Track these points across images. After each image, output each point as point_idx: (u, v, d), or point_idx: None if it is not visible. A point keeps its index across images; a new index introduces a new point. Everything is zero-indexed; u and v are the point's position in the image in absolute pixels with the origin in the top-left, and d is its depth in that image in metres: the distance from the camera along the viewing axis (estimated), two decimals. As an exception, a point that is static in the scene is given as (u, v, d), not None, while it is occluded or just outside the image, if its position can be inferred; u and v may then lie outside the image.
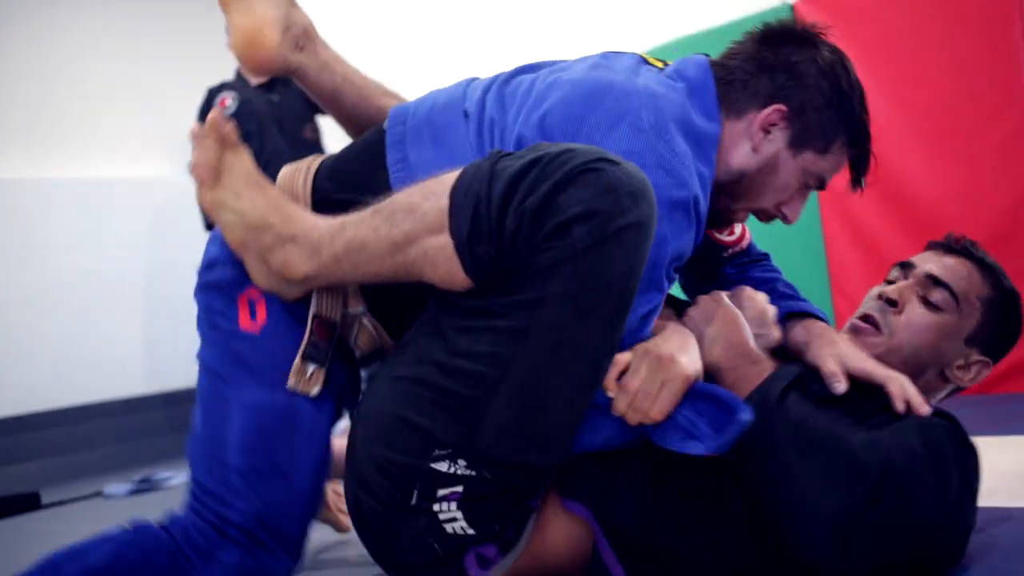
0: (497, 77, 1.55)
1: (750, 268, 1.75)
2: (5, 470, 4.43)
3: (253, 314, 1.47)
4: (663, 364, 1.31)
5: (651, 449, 1.37)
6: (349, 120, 1.81)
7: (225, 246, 1.47)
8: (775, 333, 1.54)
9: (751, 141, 1.51)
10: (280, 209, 1.40)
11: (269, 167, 4.57)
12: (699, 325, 1.49)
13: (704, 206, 1.43)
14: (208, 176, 1.40)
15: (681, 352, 1.34)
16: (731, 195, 1.53)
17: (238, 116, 4.43)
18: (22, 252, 4.71)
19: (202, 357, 1.51)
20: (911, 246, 3.22)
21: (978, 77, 3.15)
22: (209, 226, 4.39)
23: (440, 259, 1.26)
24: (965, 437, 1.38)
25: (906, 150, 3.29)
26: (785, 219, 1.57)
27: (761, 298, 1.57)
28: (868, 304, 1.61)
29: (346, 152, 1.60)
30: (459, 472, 1.31)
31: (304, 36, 1.70)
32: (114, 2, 5.36)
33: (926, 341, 1.55)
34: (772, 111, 1.50)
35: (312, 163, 1.56)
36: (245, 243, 1.40)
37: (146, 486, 3.79)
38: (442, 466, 1.31)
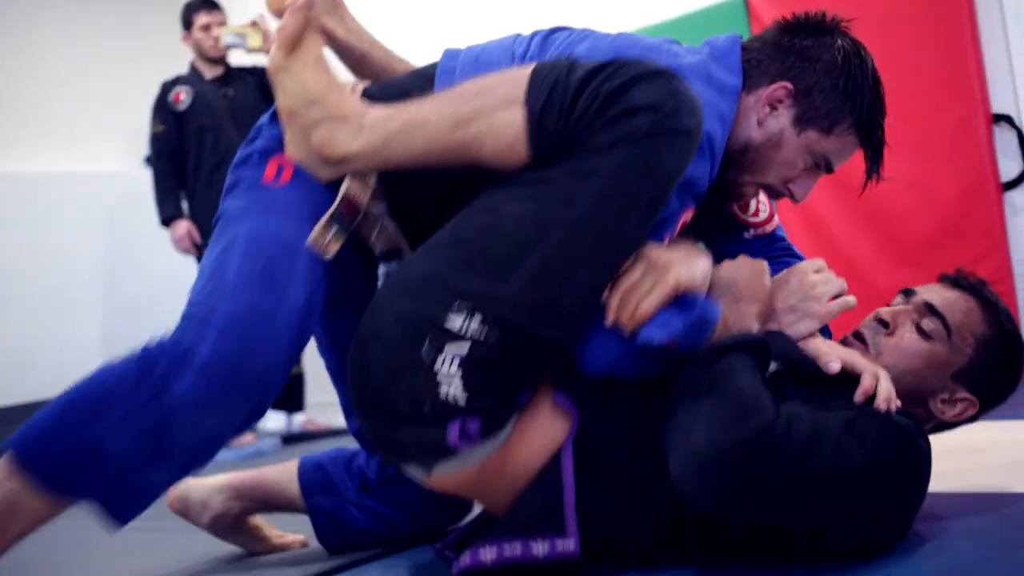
0: (539, 31, 1.67)
1: (773, 250, 1.79)
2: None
3: (279, 174, 1.53)
4: (657, 268, 1.40)
5: (650, 388, 1.45)
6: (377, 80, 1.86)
7: (272, 125, 1.58)
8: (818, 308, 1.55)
9: (757, 115, 1.58)
10: (338, 91, 1.49)
11: (225, 162, 4.56)
12: (726, 272, 1.52)
13: (720, 145, 1.50)
14: (287, 42, 1.49)
15: (680, 262, 1.42)
16: (738, 166, 1.60)
17: (192, 110, 4.41)
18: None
19: (219, 213, 1.58)
20: (863, 235, 3.31)
21: (928, 68, 3.20)
22: (165, 222, 4.36)
23: (507, 132, 1.36)
24: (917, 439, 1.37)
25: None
26: (792, 197, 1.64)
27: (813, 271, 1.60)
28: (863, 323, 1.62)
29: (392, 81, 1.70)
30: (471, 330, 1.35)
31: (332, 3, 1.79)
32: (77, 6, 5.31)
33: (911, 367, 1.54)
34: (778, 87, 1.57)
35: (358, 85, 1.65)
36: (295, 112, 1.49)
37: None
38: (457, 321, 1.35)
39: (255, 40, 4.35)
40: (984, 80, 3.14)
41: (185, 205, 4.43)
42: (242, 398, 1.41)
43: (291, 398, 4.56)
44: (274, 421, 4.92)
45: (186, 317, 1.46)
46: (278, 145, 1.55)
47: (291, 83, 1.50)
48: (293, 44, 1.50)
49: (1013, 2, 3.10)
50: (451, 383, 1.36)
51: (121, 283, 4.94)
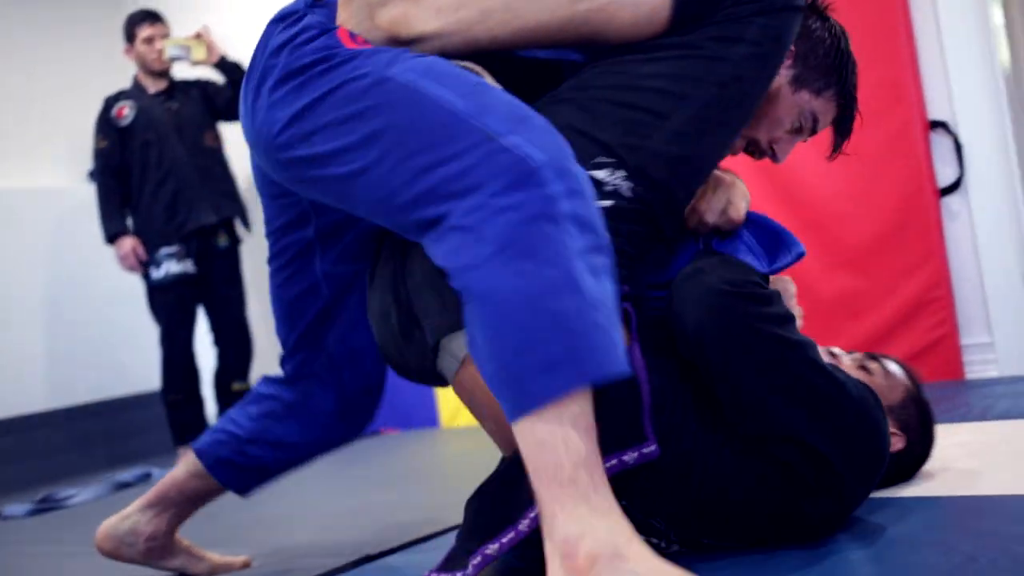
0: None
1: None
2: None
3: (354, 38, 1.41)
4: (726, 185, 1.61)
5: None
6: None
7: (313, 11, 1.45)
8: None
9: None
10: None
11: (170, 177, 4.51)
12: None
13: None
14: None
15: (736, 182, 1.65)
16: None
17: (136, 125, 4.36)
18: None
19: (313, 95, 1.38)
20: (804, 240, 3.30)
21: (866, 75, 3.19)
22: (110, 239, 4.31)
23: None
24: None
25: (799, 147, 3.35)
26: (775, 157, 1.74)
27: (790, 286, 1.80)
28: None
29: None
30: (614, 183, 1.37)
31: None
32: (8, 11, 5.23)
33: None
34: None
35: None
36: None
37: (47, 505, 3.70)
38: (602, 173, 1.37)
39: (199, 52, 4.32)
40: (921, 87, 3.17)
41: (130, 221, 4.38)
42: None
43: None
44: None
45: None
46: (330, 19, 1.43)
47: None
48: None
49: (948, 10, 3.13)
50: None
51: (65, 301, 4.87)
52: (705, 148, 1.45)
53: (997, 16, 3.15)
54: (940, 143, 3.17)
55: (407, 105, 1.30)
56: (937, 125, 3.16)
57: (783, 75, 1.64)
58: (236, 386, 4.48)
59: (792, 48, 1.63)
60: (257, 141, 1.45)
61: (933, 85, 3.18)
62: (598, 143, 1.37)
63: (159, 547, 1.90)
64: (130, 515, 1.89)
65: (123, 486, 3.94)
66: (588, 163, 1.35)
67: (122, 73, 4.66)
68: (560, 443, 1.16)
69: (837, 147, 1.79)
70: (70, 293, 4.87)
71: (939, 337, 3.13)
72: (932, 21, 3.17)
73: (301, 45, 1.39)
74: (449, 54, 1.41)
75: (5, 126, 5.00)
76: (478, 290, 1.19)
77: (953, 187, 3.15)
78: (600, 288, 1.19)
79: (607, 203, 1.36)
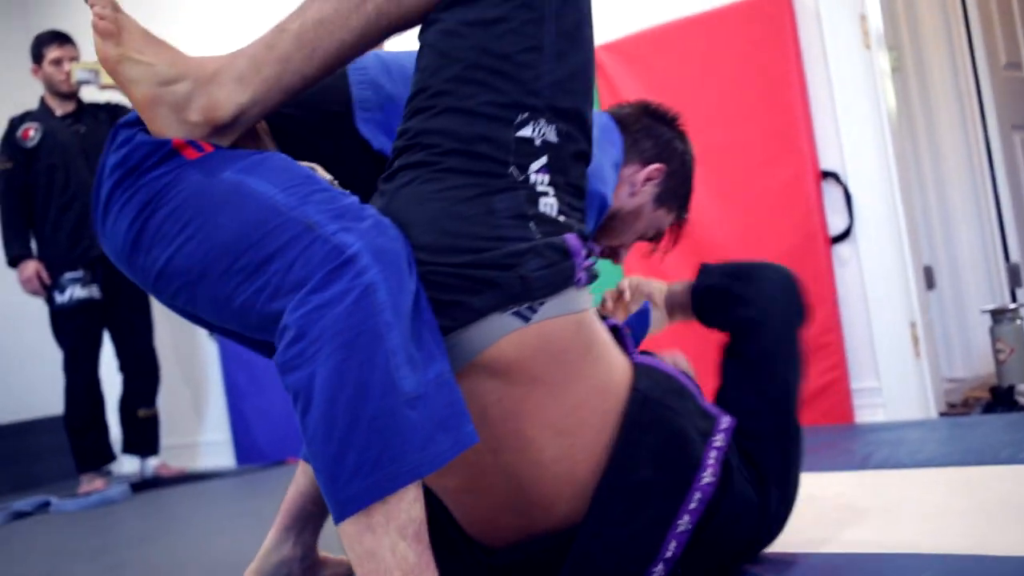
0: None
1: None
2: None
3: (199, 148, 1.36)
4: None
5: None
6: None
7: (131, 127, 1.39)
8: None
9: (632, 187, 1.86)
10: (186, 58, 1.37)
11: (75, 201, 4.44)
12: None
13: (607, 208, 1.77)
14: (112, 29, 1.34)
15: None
16: (601, 228, 1.81)
17: (42, 147, 4.30)
18: None
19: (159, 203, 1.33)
20: (703, 285, 3.39)
21: (758, 126, 3.32)
22: (12, 262, 4.24)
23: None
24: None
25: (696, 192, 3.43)
26: (618, 259, 1.90)
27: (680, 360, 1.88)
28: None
29: None
30: (542, 135, 1.32)
31: None
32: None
33: None
34: (656, 168, 1.87)
35: None
36: (158, 98, 1.35)
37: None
38: (527, 131, 1.32)
39: (108, 76, 4.27)
40: (813, 139, 3.27)
41: (33, 244, 4.32)
42: None
43: (146, 441, 4.47)
44: (128, 464, 4.82)
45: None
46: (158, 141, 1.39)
47: (137, 71, 1.34)
48: (116, 29, 1.35)
49: (838, 65, 3.24)
50: (547, 196, 1.33)
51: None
52: (583, 53, 1.40)
53: (884, 65, 3.26)
54: (831, 192, 3.27)
55: (232, 204, 1.29)
56: (828, 175, 3.26)
57: (649, 191, 1.87)
58: (142, 412, 4.44)
59: (663, 168, 1.85)
60: (116, 253, 1.42)
61: (824, 137, 3.28)
62: (507, 106, 1.32)
63: (312, 564, 1.83)
64: (272, 549, 1.81)
65: (20, 515, 3.87)
66: (511, 128, 1.31)
67: (28, 95, 4.60)
68: (388, 553, 1.15)
69: (673, 243, 2.05)
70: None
71: (830, 381, 3.22)
72: (824, 77, 3.27)
73: (135, 157, 1.36)
74: (273, 112, 1.42)
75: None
76: (301, 392, 1.19)
77: (844, 235, 3.25)
78: (418, 380, 1.17)
79: (543, 159, 1.33)
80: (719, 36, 3.39)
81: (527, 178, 1.32)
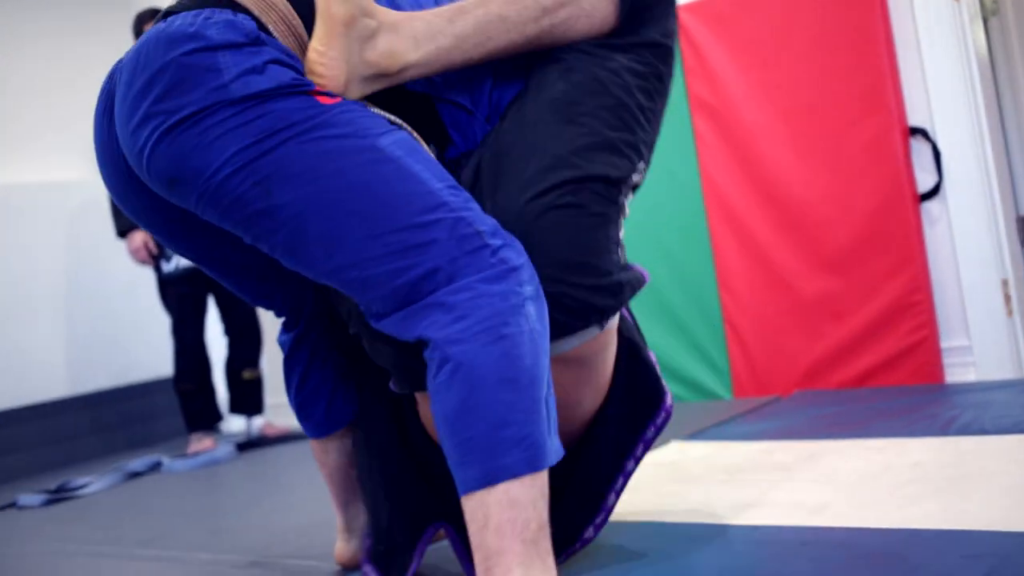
0: None
1: None
2: (-82, 480, 4.48)
3: (332, 95, 1.42)
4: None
5: None
6: None
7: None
8: None
9: None
10: (375, 6, 1.48)
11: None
12: None
13: None
14: None
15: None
16: None
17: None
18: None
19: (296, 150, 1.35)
20: (789, 245, 3.39)
21: (844, 83, 3.26)
22: (121, 234, 4.42)
23: (600, 6, 1.56)
24: None
25: (781, 151, 3.41)
26: None
27: None
28: None
29: None
30: (639, 177, 1.61)
31: None
32: (20, 5, 5.33)
33: None
34: None
35: None
36: (354, 21, 1.42)
37: (61, 495, 3.85)
38: (637, 177, 1.60)
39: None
40: (900, 94, 3.21)
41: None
42: None
43: (251, 401, 4.65)
44: (235, 424, 5.02)
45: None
46: (287, 57, 1.41)
47: None
48: None
49: (926, 19, 3.16)
50: (619, 224, 1.58)
51: (81, 292, 5.01)
52: (657, 124, 1.67)
53: (973, 17, 3.17)
54: (919, 149, 3.20)
55: (398, 180, 1.36)
56: (916, 131, 3.19)
57: None
58: (247, 374, 4.61)
59: None
60: (163, 168, 1.38)
61: (912, 93, 3.21)
62: (635, 148, 1.57)
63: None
64: (344, 526, 1.95)
65: (134, 475, 4.08)
66: (634, 169, 1.57)
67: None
68: (530, 505, 1.30)
69: None
70: (86, 284, 5.01)
71: (919, 340, 3.18)
72: (911, 32, 3.19)
73: (265, 77, 1.35)
74: (425, 75, 1.52)
75: (17, 120, 5.11)
76: (463, 362, 1.30)
77: (932, 193, 3.19)
78: (547, 382, 1.37)
79: (631, 196, 1.61)
80: (802, -8, 3.34)
81: (623, 207, 1.57)
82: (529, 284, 1.37)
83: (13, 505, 3.86)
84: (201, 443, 4.45)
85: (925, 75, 3.17)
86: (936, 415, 2.63)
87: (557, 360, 1.50)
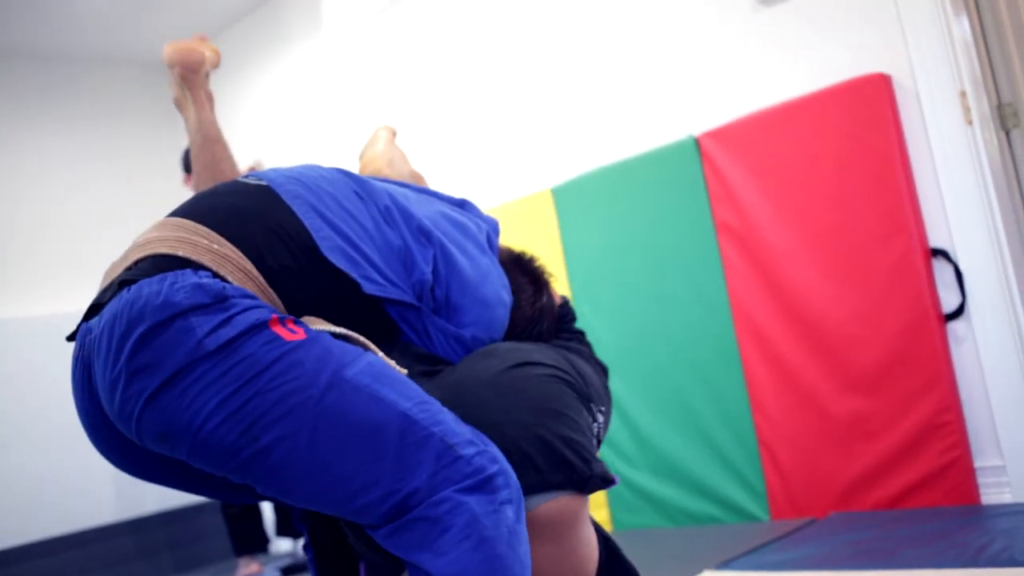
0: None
1: None
2: (-24, 610, 4.56)
3: (284, 324, 1.46)
4: None
5: None
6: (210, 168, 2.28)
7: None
8: None
9: None
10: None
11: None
12: None
13: None
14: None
15: None
16: None
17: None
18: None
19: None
20: (818, 366, 3.42)
21: (865, 206, 3.31)
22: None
23: None
24: None
25: (806, 273, 3.46)
26: None
27: None
28: None
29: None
30: (601, 420, 1.83)
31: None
32: (69, 139, 5.58)
33: None
34: None
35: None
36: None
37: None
38: (600, 418, 1.83)
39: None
40: (920, 216, 3.25)
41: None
42: None
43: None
44: (283, 546, 5.07)
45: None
46: (248, 300, 1.47)
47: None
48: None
49: (940, 141, 3.21)
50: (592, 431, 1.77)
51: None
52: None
53: (991, 146, 3.23)
54: (942, 270, 3.24)
55: (369, 409, 1.44)
56: (937, 252, 3.23)
57: None
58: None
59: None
60: (152, 429, 1.43)
61: (932, 214, 3.25)
62: (589, 399, 1.78)
63: None
64: None
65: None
66: (593, 418, 1.77)
67: (177, 198, 4.92)
68: None
69: None
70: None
71: (951, 460, 3.17)
72: (927, 155, 3.25)
73: (231, 327, 1.42)
74: None
75: (67, 251, 5.31)
76: (447, 574, 1.40)
77: (957, 312, 3.21)
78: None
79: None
80: (821, 119, 3.42)
81: (593, 423, 1.78)
82: (505, 489, 1.46)
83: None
84: (248, 567, 4.50)
85: (943, 197, 3.22)
86: (967, 543, 2.61)
87: (534, 537, 1.60)
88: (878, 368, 3.31)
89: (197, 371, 1.38)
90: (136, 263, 1.51)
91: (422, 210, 1.80)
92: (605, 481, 1.63)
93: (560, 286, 4.13)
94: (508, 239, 4.23)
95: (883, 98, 3.28)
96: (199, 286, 1.42)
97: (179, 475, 1.65)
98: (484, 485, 1.44)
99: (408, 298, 1.69)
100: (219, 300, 1.42)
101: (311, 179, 1.70)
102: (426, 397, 1.51)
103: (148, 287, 1.42)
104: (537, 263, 2.09)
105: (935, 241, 3.25)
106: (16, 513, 4.79)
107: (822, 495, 3.44)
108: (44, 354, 5.00)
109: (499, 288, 1.87)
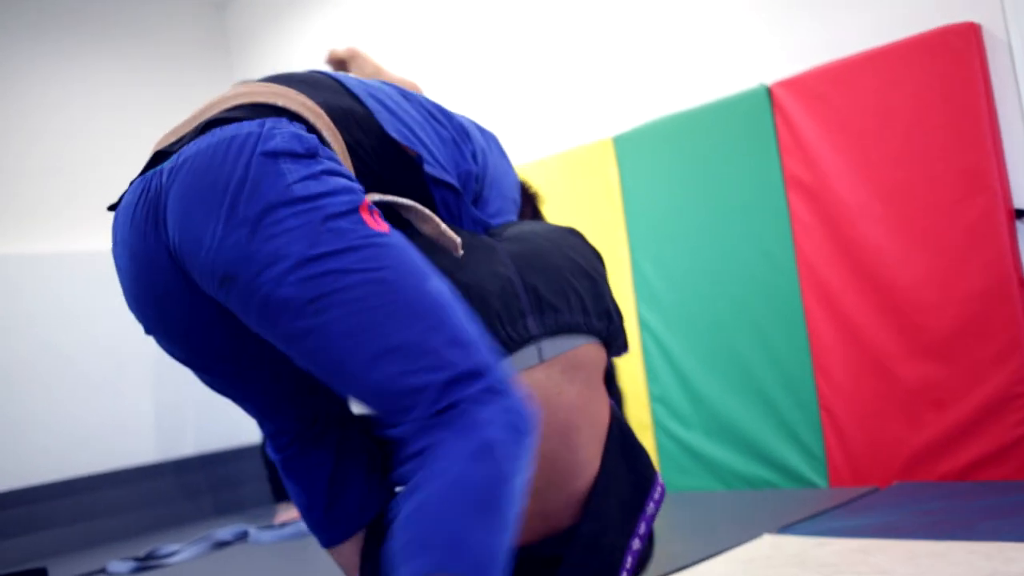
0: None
1: None
2: (13, 542, 4.56)
3: (372, 213, 1.46)
4: None
5: None
6: None
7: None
8: None
9: None
10: None
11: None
12: None
13: None
14: None
15: None
16: None
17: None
18: (23, 325, 4.85)
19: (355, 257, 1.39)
20: (888, 329, 3.28)
21: (945, 162, 3.16)
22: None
23: None
24: None
25: (879, 232, 3.31)
26: None
27: None
28: None
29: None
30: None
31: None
32: (93, 73, 5.51)
33: None
34: None
35: None
36: None
37: (149, 563, 3.88)
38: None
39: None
40: (1005, 174, 3.09)
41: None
42: None
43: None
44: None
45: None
46: (338, 165, 1.47)
47: None
48: None
49: (1033, 97, 3.06)
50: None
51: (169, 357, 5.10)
52: None
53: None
54: (1025, 233, 3.08)
55: (437, 311, 1.39)
56: (1022, 214, 3.07)
57: None
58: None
59: None
60: (221, 265, 1.40)
61: (1017, 173, 3.09)
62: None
63: None
64: None
65: (221, 545, 4.10)
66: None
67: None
68: None
69: None
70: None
71: (1025, 433, 3.04)
72: (1016, 109, 3.09)
73: (319, 183, 1.40)
74: None
75: (99, 188, 5.25)
76: (488, 440, 1.30)
77: (1040, 278, 3.06)
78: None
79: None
80: (903, 70, 3.25)
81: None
82: (533, 432, 1.37)
83: (103, 572, 3.90)
84: (288, 513, 4.46)
85: (1031, 156, 3.06)
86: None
87: (563, 371, 1.68)
88: (951, 333, 3.17)
89: (280, 213, 1.36)
90: (229, 110, 1.51)
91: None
92: (625, 348, 1.82)
93: (618, 239, 4.02)
94: (565, 191, 4.15)
95: (971, 49, 3.11)
96: (296, 135, 1.43)
97: (210, 352, 1.65)
98: (502, 397, 1.34)
99: (457, 184, 1.77)
100: (311, 154, 1.42)
101: (363, 79, 1.79)
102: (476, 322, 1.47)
103: (246, 127, 1.43)
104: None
105: (1020, 202, 3.09)
106: (55, 450, 4.78)
107: (885, 464, 3.31)
108: (84, 290, 4.97)
109: (514, 187, 2.03)
